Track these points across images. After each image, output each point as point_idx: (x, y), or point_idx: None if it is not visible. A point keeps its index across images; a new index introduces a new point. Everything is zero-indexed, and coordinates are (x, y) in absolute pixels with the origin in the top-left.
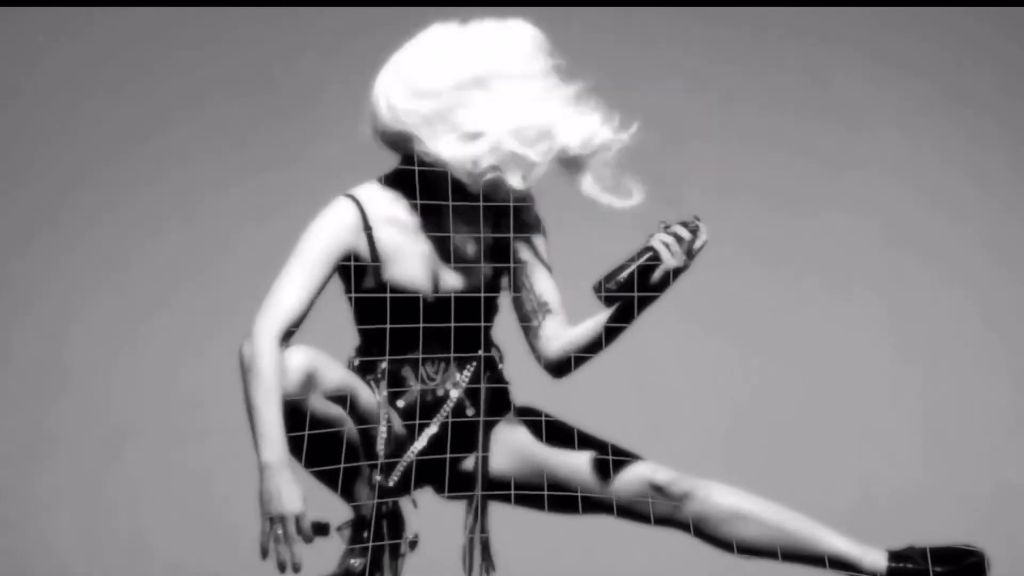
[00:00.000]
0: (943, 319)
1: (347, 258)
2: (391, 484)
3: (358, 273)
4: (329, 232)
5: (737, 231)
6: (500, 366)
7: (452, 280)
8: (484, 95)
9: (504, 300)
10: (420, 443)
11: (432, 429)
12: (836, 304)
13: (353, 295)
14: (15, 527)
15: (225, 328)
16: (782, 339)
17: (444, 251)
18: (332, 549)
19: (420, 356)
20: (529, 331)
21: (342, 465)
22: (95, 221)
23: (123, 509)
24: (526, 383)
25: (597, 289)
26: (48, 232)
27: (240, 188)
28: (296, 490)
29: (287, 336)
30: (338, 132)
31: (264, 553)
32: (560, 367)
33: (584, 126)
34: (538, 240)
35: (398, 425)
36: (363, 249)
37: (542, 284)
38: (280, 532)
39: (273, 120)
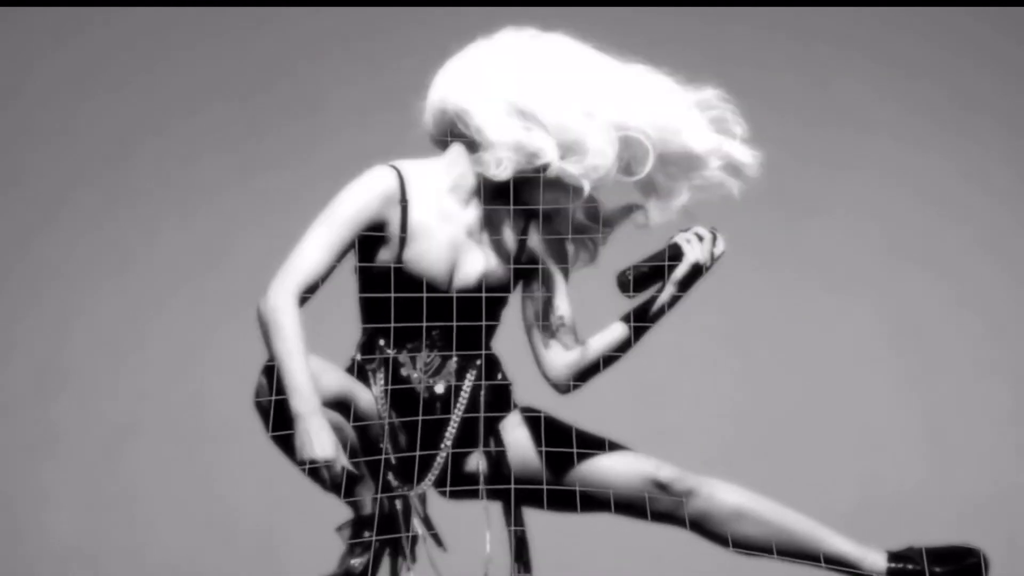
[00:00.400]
0: (943, 319)
1: (373, 227)
2: (422, 490)
3: (377, 246)
4: (362, 198)
5: (737, 232)
6: (501, 368)
7: (469, 276)
8: (554, 93)
9: (510, 306)
10: (447, 441)
11: (444, 429)
12: (836, 305)
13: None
14: (15, 527)
15: (226, 329)
16: (782, 340)
17: (471, 244)
18: (332, 549)
19: (423, 354)
20: (539, 341)
21: (345, 462)
22: (96, 221)
23: (123, 509)
24: (527, 383)
25: (621, 278)
26: (49, 232)
27: (242, 189)
28: (326, 437)
29: (304, 297)
30: (340, 132)
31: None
32: (568, 383)
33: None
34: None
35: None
36: (393, 222)
37: (561, 298)
38: (314, 477)
39: (275, 120)
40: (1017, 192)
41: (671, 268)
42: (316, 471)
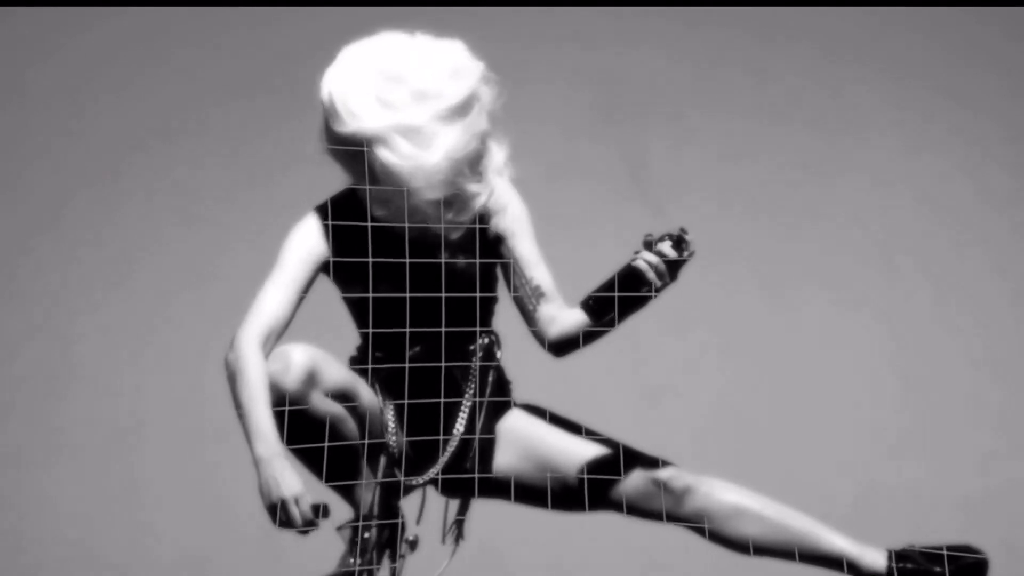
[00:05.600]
0: (941, 319)
1: (323, 266)
2: (422, 483)
3: (346, 279)
4: (305, 243)
5: (738, 235)
6: (498, 353)
7: (437, 279)
8: (440, 112)
9: (502, 295)
10: (448, 449)
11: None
12: (836, 305)
13: (348, 297)
14: (16, 527)
15: (230, 327)
16: (783, 341)
17: (425, 251)
18: (332, 549)
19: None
20: (528, 317)
21: (345, 460)
22: (98, 222)
23: (125, 509)
24: (526, 380)
25: (584, 306)
26: (51, 233)
27: (244, 190)
28: (291, 475)
29: (269, 342)
30: None
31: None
32: (560, 348)
33: (503, 149)
34: (522, 234)
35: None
36: (340, 259)
37: (533, 271)
38: (284, 517)
39: (278, 123)
40: (1016, 194)
41: (633, 288)
42: (285, 512)
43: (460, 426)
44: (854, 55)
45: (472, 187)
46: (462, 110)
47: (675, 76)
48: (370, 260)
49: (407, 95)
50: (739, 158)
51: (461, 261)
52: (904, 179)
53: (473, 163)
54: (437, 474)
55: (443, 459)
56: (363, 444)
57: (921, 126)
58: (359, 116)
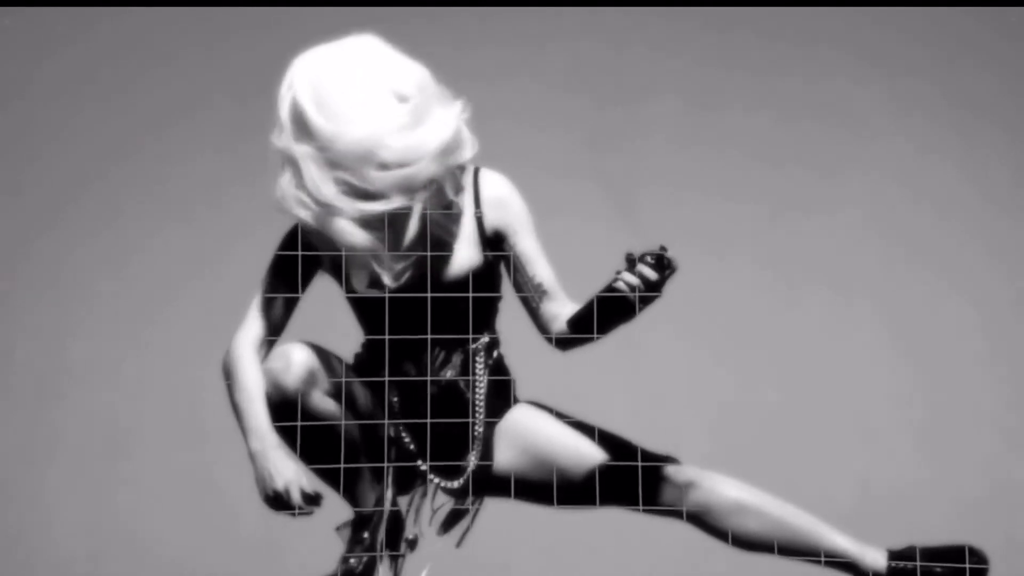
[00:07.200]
0: (942, 318)
1: (312, 266)
2: (448, 488)
3: (348, 280)
4: (295, 245)
5: (737, 232)
6: (496, 352)
7: (427, 279)
8: (312, 152)
9: (506, 290)
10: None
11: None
12: (836, 304)
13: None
14: (18, 526)
15: (228, 329)
16: (782, 339)
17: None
18: (332, 549)
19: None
20: (532, 314)
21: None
22: (97, 222)
23: (125, 509)
24: (530, 378)
25: (568, 325)
26: (50, 233)
27: (243, 190)
28: (285, 464)
29: (265, 344)
30: None
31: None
32: (565, 344)
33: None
34: (522, 231)
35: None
36: (327, 263)
37: (534, 268)
38: (279, 503)
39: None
40: (1016, 193)
41: (616, 307)
42: (280, 498)
43: (476, 427)
44: (854, 53)
45: (377, 245)
46: (336, 159)
47: (675, 73)
48: (342, 254)
49: (301, 123)
50: (740, 155)
51: (456, 259)
52: (907, 176)
53: (381, 222)
54: (464, 481)
55: (470, 468)
56: (363, 445)
57: (922, 122)
58: (280, 131)
